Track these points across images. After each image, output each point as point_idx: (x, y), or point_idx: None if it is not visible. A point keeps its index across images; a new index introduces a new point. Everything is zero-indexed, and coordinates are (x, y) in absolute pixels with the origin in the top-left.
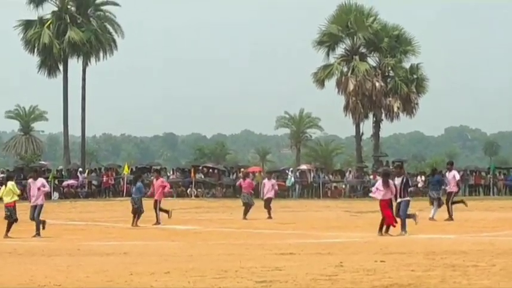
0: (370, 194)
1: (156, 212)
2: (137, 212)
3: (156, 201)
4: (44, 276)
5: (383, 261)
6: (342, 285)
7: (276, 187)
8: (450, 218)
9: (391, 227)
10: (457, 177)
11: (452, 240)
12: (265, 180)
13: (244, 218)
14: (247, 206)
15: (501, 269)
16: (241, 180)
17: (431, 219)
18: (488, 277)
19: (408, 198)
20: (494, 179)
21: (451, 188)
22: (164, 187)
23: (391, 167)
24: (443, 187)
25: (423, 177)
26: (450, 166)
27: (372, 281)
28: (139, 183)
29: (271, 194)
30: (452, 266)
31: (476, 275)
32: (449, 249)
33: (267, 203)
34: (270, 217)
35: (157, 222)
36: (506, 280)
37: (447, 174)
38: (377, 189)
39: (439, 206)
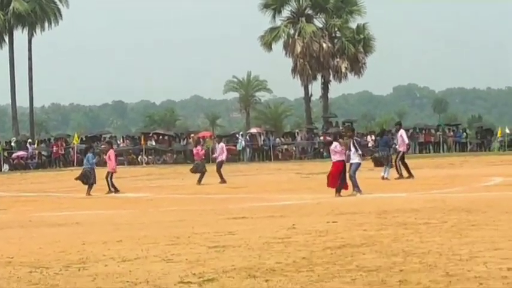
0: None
1: (107, 181)
2: (88, 181)
3: (108, 172)
4: None
5: (335, 222)
6: (294, 247)
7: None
8: (400, 176)
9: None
10: (404, 137)
11: (403, 199)
12: (216, 144)
13: (199, 183)
14: (201, 173)
15: (452, 226)
16: (196, 147)
17: (385, 178)
18: (440, 234)
19: (358, 160)
20: (444, 136)
21: (400, 147)
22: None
23: (341, 128)
24: (393, 147)
25: (373, 137)
26: (398, 127)
27: (324, 242)
28: (88, 154)
29: (222, 157)
30: (404, 224)
31: (428, 232)
32: (401, 208)
33: (218, 167)
34: (223, 181)
35: (110, 191)
36: (458, 237)
37: (397, 134)
38: (334, 151)
39: (390, 165)
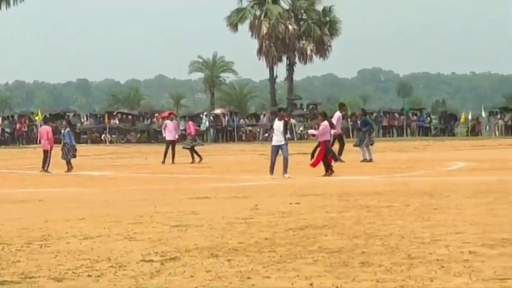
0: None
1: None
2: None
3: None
4: None
5: (298, 203)
6: (257, 228)
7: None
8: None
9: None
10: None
11: (366, 182)
12: (167, 121)
13: (195, 161)
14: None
15: (415, 209)
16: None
17: (369, 160)
18: (402, 217)
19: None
20: (408, 120)
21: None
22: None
23: (305, 110)
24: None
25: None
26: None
27: (287, 223)
28: (67, 129)
29: (174, 137)
30: (366, 206)
31: (391, 215)
32: (364, 191)
33: (172, 146)
34: (173, 162)
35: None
36: (420, 220)
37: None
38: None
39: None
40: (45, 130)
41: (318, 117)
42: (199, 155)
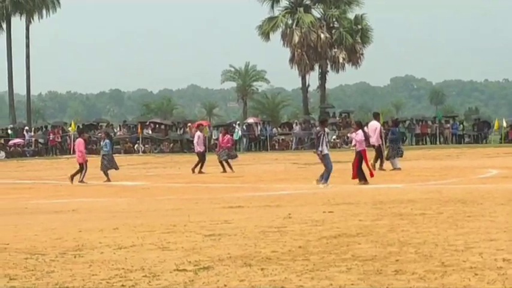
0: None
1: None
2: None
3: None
4: None
5: (331, 212)
6: (290, 236)
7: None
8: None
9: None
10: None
11: (399, 190)
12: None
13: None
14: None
15: (448, 217)
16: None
17: (397, 168)
18: (436, 225)
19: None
20: (441, 128)
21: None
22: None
23: (337, 118)
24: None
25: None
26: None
27: (320, 232)
28: (106, 141)
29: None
30: (400, 214)
31: (424, 223)
32: (397, 199)
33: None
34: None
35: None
36: (454, 228)
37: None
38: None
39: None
40: (77, 143)
41: (353, 127)
42: (230, 167)
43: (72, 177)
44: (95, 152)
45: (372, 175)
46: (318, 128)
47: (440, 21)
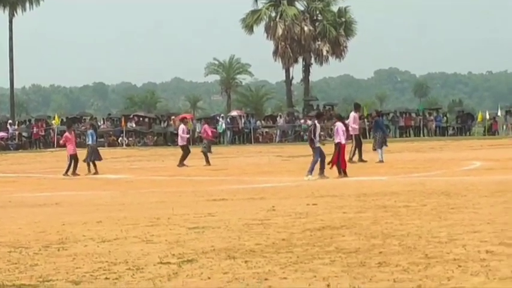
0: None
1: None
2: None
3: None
4: None
5: (315, 205)
6: (274, 229)
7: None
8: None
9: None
10: (350, 120)
11: (383, 182)
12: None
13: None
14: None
15: (432, 209)
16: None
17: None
18: (420, 217)
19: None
20: (424, 120)
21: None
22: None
23: (321, 111)
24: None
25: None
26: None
27: (304, 224)
28: (91, 131)
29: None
30: (383, 207)
31: (408, 215)
32: (381, 191)
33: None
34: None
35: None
36: (437, 220)
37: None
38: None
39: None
40: (68, 136)
41: (333, 119)
42: (208, 160)
43: (74, 173)
44: (78, 145)
45: (331, 167)
46: (311, 121)
47: (425, 14)
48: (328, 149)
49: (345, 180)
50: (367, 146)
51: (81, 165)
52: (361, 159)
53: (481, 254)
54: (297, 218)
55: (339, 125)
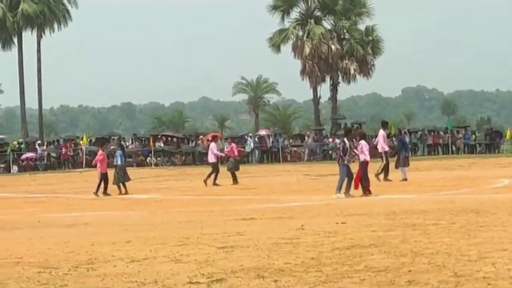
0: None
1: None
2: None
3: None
4: (5, 250)
5: (344, 223)
6: (303, 248)
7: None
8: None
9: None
10: (380, 138)
11: (412, 200)
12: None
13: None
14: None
15: (461, 227)
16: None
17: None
18: (449, 235)
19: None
20: (453, 138)
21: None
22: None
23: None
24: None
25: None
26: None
27: (333, 243)
28: (119, 151)
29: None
30: (412, 225)
31: (437, 233)
32: (410, 209)
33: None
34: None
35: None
36: (467, 238)
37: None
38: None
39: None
40: (101, 155)
41: (357, 138)
42: (236, 179)
43: (105, 193)
44: (108, 165)
45: (356, 187)
46: (340, 139)
47: (452, 32)
48: (354, 167)
49: (373, 198)
50: (391, 164)
51: (112, 186)
52: (386, 179)
53: (510, 272)
54: (326, 237)
55: (363, 143)
